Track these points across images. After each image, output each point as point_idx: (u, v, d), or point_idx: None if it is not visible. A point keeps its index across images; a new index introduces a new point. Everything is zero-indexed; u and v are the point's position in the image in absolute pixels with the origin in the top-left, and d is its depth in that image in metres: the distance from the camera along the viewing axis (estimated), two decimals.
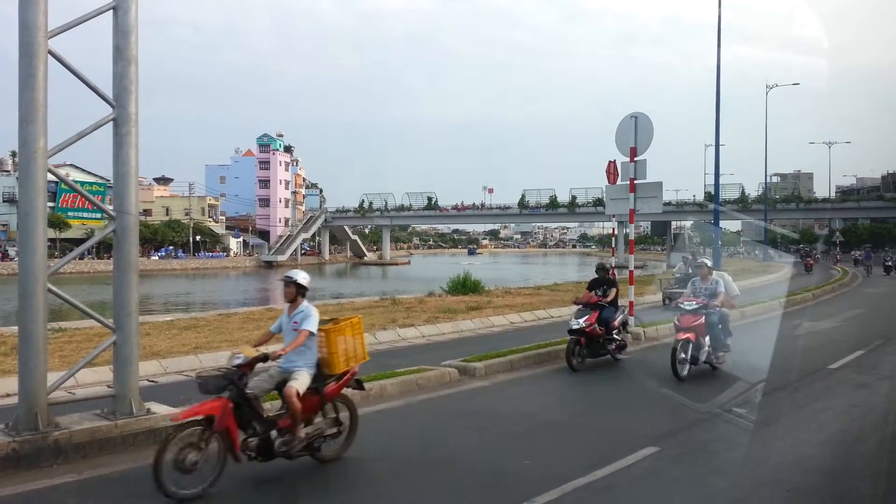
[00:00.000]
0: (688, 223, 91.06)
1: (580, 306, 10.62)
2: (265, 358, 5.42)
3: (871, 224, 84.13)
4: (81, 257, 61.96)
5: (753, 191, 75.79)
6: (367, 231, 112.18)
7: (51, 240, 53.01)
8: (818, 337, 14.00)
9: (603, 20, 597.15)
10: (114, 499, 5.19)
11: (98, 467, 5.76)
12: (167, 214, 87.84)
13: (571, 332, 10.28)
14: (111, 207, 6.63)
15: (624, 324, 11.08)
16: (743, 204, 71.89)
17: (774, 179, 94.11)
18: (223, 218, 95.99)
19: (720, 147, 29.63)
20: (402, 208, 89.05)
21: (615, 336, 10.70)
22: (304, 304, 5.89)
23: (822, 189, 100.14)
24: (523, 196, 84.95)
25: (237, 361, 5.34)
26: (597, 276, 11.25)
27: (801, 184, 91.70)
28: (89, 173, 77.78)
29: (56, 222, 63.26)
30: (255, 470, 5.52)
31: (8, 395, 7.74)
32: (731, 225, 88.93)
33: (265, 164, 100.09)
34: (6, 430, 5.89)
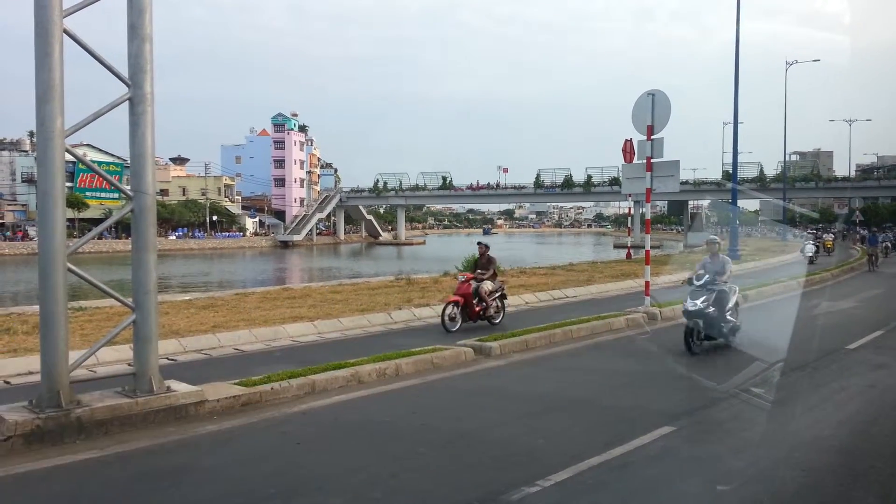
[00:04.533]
0: (705, 202, 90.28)
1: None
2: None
3: (893, 203, 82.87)
4: (100, 237, 62.58)
5: (772, 169, 74.67)
6: (381, 211, 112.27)
7: (69, 220, 53.42)
8: (837, 317, 13.88)
9: None
10: (134, 474, 5.28)
11: (119, 444, 5.85)
12: (184, 194, 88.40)
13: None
14: (128, 187, 6.68)
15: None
16: (761, 183, 70.95)
17: (793, 158, 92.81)
18: (239, 198, 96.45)
19: (738, 125, 29.38)
20: (416, 188, 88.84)
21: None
22: None
23: (841, 167, 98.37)
24: (538, 175, 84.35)
25: None
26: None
27: (820, 162, 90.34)
28: (106, 153, 78.44)
29: (74, 202, 63.86)
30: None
31: (31, 373, 7.89)
32: (749, 204, 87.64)
33: (280, 144, 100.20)
34: (30, 407, 6.00)
